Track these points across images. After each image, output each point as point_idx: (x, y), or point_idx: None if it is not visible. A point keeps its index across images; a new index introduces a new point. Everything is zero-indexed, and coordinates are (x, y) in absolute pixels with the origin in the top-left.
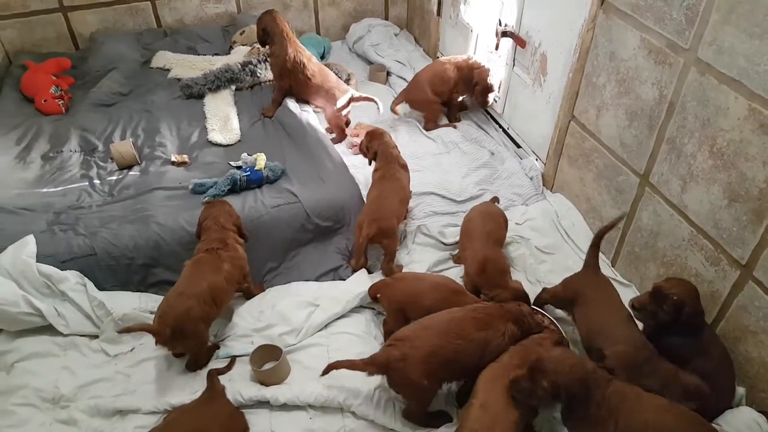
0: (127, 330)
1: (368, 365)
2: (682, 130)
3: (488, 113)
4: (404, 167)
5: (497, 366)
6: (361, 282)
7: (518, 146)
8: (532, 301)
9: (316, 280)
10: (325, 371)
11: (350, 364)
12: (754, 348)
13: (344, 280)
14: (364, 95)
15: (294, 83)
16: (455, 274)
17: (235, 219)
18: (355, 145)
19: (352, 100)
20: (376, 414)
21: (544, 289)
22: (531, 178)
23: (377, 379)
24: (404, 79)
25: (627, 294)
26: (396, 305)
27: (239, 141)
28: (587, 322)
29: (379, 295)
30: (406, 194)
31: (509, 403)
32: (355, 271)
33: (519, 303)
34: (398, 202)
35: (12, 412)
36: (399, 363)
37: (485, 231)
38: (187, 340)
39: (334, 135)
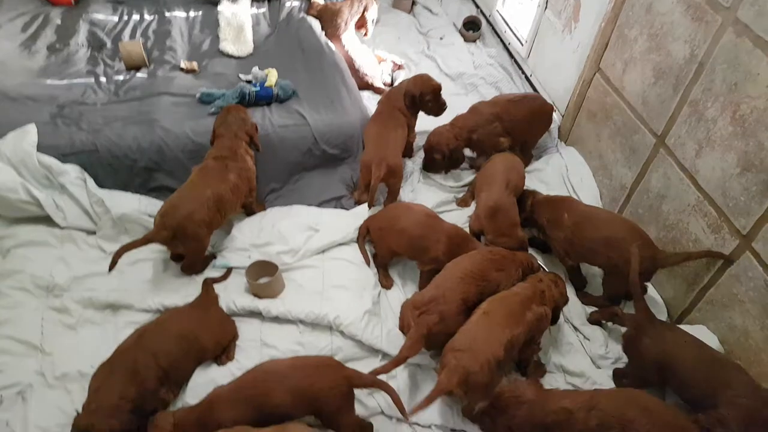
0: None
1: (412, 348)
2: (707, 92)
3: (513, 57)
4: (405, 114)
5: (507, 291)
6: (363, 215)
7: None
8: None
9: (318, 206)
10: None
11: (396, 363)
12: (739, 316)
13: (346, 210)
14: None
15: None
16: (457, 216)
17: (249, 127)
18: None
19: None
20: (364, 335)
21: (620, 374)
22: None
23: (368, 304)
24: (429, 10)
25: None
26: (378, 232)
27: (251, 54)
28: (690, 387)
29: (368, 228)
30: (405, 134)
31: (510, 322)
32: (357, 203)
33: (532, 255)
34: (401, 139)
35: (6, 294)
36: (439, 326)
37: (505, 178)
38: (188, 241)
39: None
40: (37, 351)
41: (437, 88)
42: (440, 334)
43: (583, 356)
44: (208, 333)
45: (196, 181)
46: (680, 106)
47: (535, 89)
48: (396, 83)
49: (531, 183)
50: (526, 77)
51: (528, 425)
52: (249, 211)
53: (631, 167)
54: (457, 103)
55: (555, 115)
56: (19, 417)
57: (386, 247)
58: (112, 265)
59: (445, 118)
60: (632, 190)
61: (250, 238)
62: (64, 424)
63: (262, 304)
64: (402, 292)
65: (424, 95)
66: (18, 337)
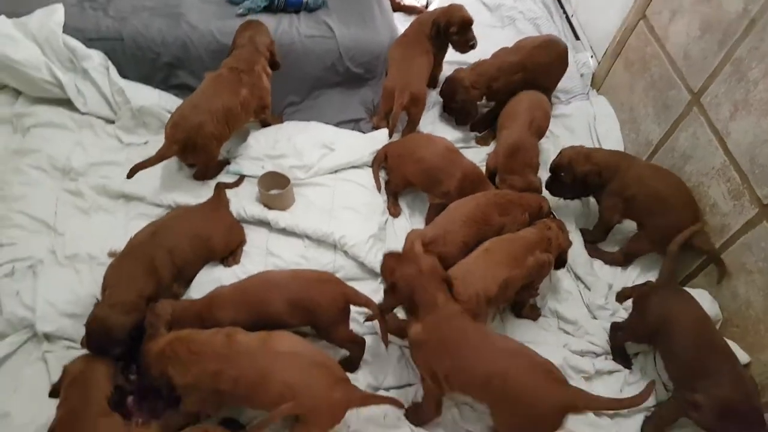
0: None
1: None
2: (753, 52)
3: None
4: (429, 39)
5: (513, 234)
6: (380, 140)
7: (577, 38)
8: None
9: (335, 126)
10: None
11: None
12: (744, 286)
13: (363, 133)
14: None
15: None
16: (474, 154)
17: (270, 44)
18: None
19: None
20: (367, 257)
21: (617, 327)
22: (581, 75)
23: (374, 229)
24: None
25: None
26: (396, 159)
27: None
28: (677, 360)
29: (386, 154)
30: (431, 62)
31: (510, 263)
32: (375, 128)
33: (542, 198)
34: (426, 66)
35: (24, 172)
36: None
37: (530, 117)
38: (198, 153)
39: None
40: (50, 230)
41: (466, 21)
42: None
43: (580, 306)
44: (218, 235)
45: (207, 91)
46: (723, 64)
47: (574, 31)
48: (431, 8)
49: (555, 128)
50: (567, 17)
51: (405, 284)
52: (264, 124)
53: (660, 124)
54: (493, 36)
55: (591, 61)
56: (29, 289)
57: (401, 175)
58: (130, 176)
59: (478, 53)
60: (657, 147)
61: (265, 148)
62: (71, 301)
63: (271, 215)
64: (409, 221)
65: (450, 26)
66: (32, 214)
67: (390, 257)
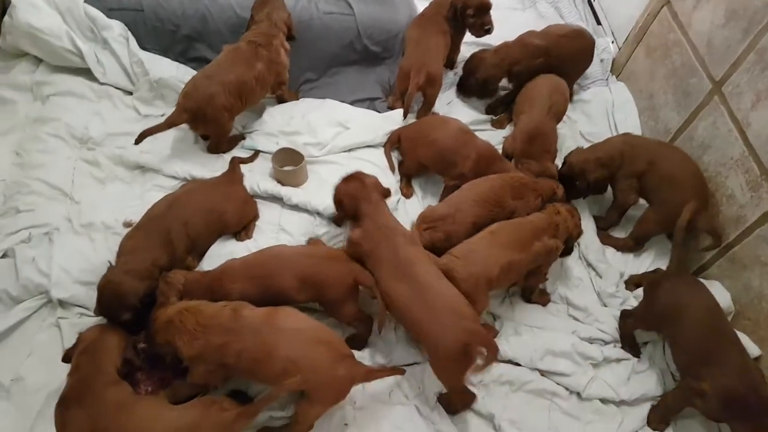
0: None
1: None
2: None
3: None
4: (447, 20)
5: (521, 218)
6: (395, 120)
7: (598, 22)
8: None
9: (351, 104)
10: None
11: None
12: (758, 278)
13: (379, 113)
14: None
15: None
16: (489, 136)
17: (287, 18)
18: None
19: None
20: None
21: (626, 314)
22: (601, 61)
23: None
24: None
25: None
26: (409, 141)
27: None
28: (684, 347)
29: (399, 136)
30: (448, 42)
31: (515, 246)
32: (390, 109)
33: (557, 184)
34: (444, 47)
35: (43, 140)
36: (443, 243)
37: (549, 102)
38: (209, 124)
39: None
40: (67, 198)
41: (484, 5)
42: (443, 251)
43: (591, 293)
44: (232, 209)
45: (222, 63)
46: (746, 53)
47: (596, 15)
48: None
49: (573, 113)
50: (589, 1)
51: (349, 197)
52: (280, 100)
53: (680, 112)
54: (513, 18)
55: (612, 47)
56: (44, 256)
57: (414, 158)
58: (138, 141)
59: (497, 37)
60: (676, 135)
61: (280, 124)
62: (85, 269)
63: (284, 191)
64: (421, 204)
65: (467, 8)
66: (50, 182)
67: (339, 182)
